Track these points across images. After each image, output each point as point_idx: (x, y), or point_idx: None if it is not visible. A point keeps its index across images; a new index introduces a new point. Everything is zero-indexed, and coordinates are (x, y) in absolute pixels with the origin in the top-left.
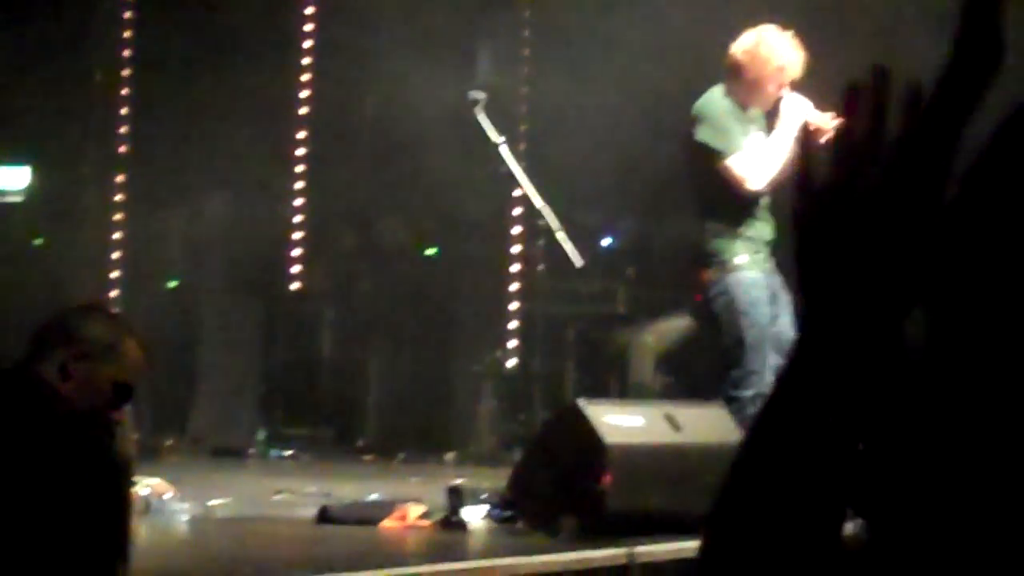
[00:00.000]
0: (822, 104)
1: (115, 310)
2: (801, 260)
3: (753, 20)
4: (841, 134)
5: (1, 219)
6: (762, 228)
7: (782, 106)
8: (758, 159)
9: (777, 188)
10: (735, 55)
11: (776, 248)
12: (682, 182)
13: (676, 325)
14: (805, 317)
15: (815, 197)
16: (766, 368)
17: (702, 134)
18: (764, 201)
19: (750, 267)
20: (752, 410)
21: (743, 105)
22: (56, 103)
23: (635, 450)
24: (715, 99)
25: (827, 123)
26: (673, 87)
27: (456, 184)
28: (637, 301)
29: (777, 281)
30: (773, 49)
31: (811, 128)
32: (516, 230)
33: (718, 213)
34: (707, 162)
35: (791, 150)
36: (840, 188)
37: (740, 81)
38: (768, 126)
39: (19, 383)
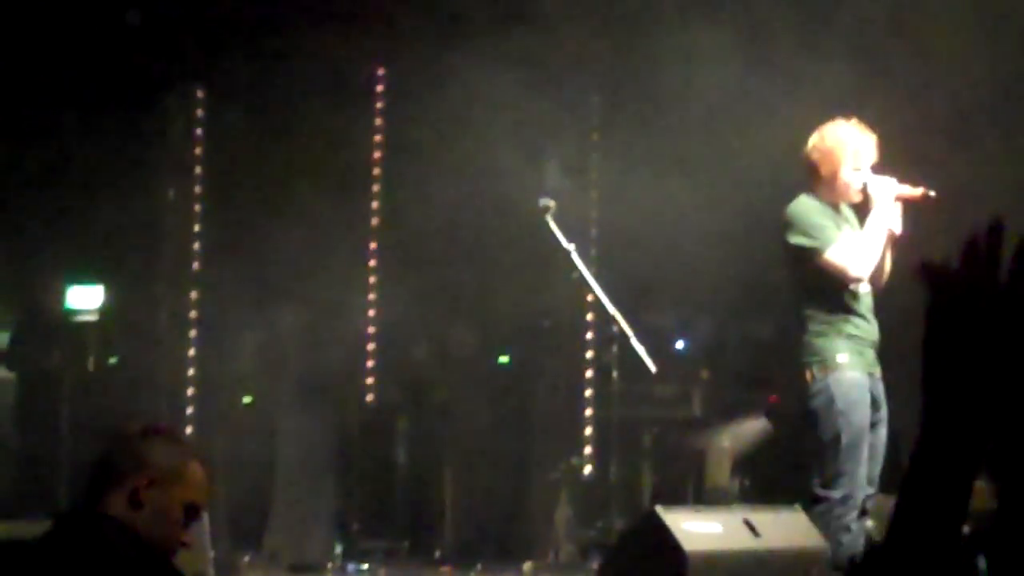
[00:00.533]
0: (908, 177)
1: (175, 430)
2: (929, 349)
3: (822, 122)
4: (966, 259)
5: (76, 339)
6: (865, 328)
7: (869, 192)
8: (856, 247)
9: (881, 287)
10: (806, 157)
11: (882, 353)
12: (781, 284)
13: (752, 427)
14: (929, 404)
15: (947, 294)
16: (858, 472)
17: (795, 238)
18: (868, 301)
19: (852, 367)
20: (840, 511)
21: (832, 204)
22: (129, 220)
23: (715, 557)
24: (802, 201)
25: (916, 193)
26: (740, 190)
27: (528, 290)
28: (712, 404)
29: (880, 388)
30: (838, 139)
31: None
32: (589, 335)
33: (820, 312)
34: (806, 263)
35: (887, 234)
36: (967, 292)
37: (819, 181)
38: (862, 217)
39: (87, 527)
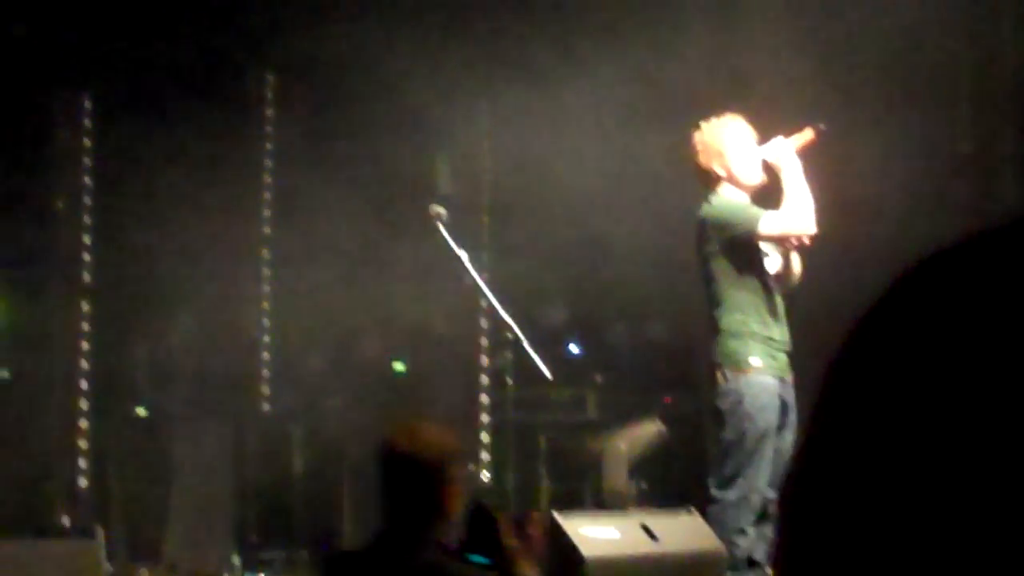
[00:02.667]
0: (789, 128)
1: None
2: None
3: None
4: None
5: None
6: (778, 332)
7: (772, 161)
8: (787, 207)
9: (792, 290)
10: (695, 165)
11: (795, 359)
12: (697, 285)
13: (647, 430)
14: None
15: None
16: (758, 476)
17: (727, 230)
18: (782, 306)
19: (764, 371)
20: (733, 513)
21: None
22: (18, 233)
23: (613, 563)
24: (713, 200)
25: (809, 137)
26: (633, 190)
27: (423, 297)
28: (607, 407)
29: (791, 392)
30: (713, 132)
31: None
32: (483, 342)
33: (733, 315)
34: (742, 247)
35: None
36: None
37: (718, 180)
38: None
39: None
